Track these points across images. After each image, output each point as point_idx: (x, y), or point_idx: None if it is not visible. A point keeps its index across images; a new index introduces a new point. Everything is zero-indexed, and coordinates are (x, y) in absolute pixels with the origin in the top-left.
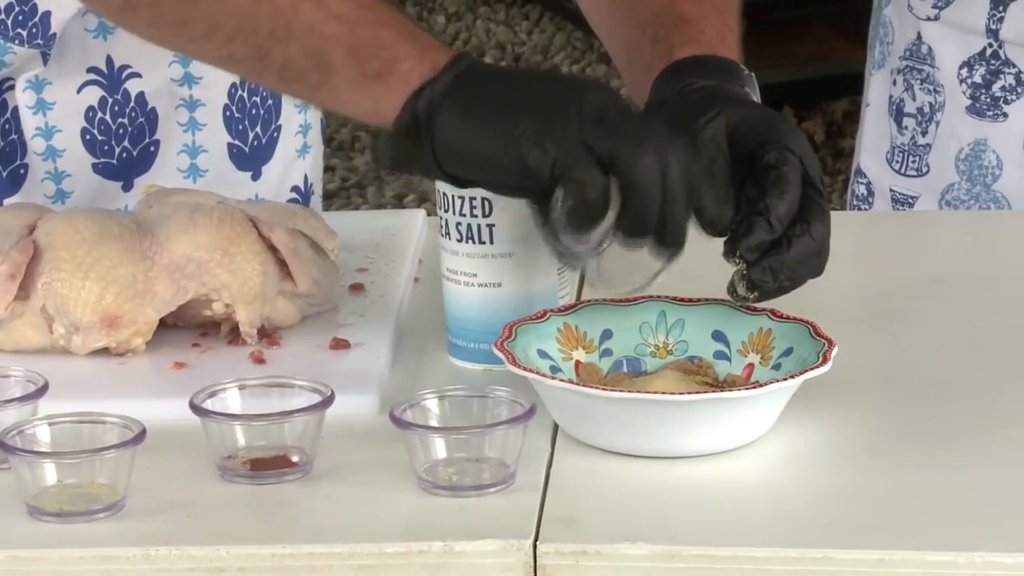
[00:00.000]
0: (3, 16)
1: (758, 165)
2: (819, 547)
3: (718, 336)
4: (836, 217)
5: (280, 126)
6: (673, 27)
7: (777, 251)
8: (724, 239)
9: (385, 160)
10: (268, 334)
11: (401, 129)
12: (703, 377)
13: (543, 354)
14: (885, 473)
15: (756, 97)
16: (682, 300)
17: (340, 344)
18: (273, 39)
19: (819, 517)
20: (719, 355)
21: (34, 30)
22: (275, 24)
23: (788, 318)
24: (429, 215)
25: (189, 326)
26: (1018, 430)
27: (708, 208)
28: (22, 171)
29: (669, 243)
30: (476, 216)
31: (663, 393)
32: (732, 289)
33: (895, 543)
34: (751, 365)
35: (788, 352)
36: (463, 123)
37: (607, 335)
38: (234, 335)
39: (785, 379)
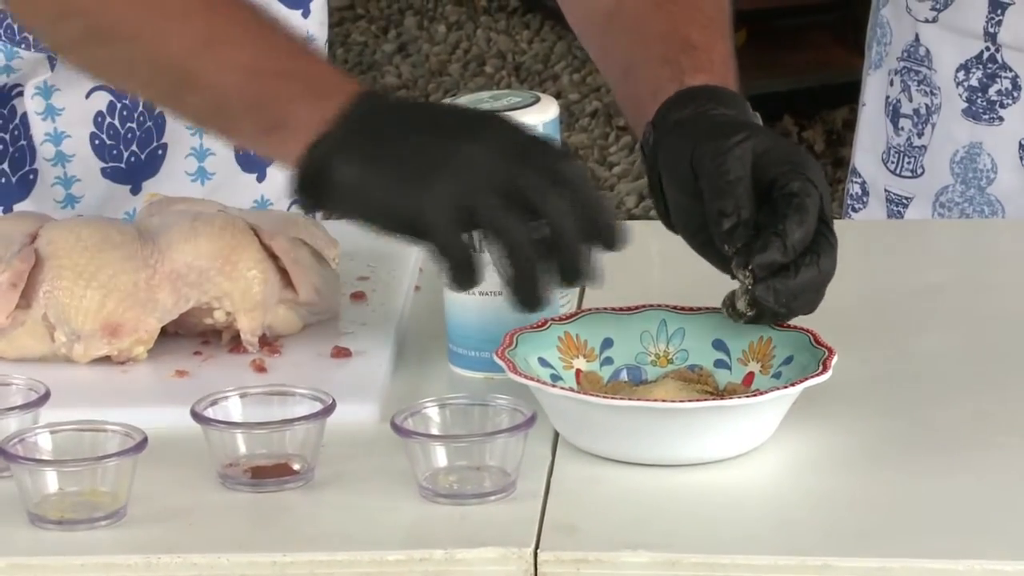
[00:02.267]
0: (9, 20)
1: (778, 192)
2: (819, 555)
3: (718, 345)
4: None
5: None
6: (682, 52)
7: (785, 275)
8: (734, 254)
9: (298, 204)
10: (269, 342)
11: (297, 185)
12: (704, 386)
13: (544, 363)
14: (884, 481)
15: None
16: (683, 309)
17: (341, 352)
18: (180, 86)
19: (819, 525)
20: (720, 364)
21: None
22: (179, 72)
23: (789, 327)
24: None
25: (190, 334)
26: (1016, 438)
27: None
28: (32, 176)
29: (568, 282)
30: None
31: (664, 401)
32: (730, 303)
33: (895, 551)
34: (752, 374)
35: (788, 360)
36: (350, 181)
37: (608, 344)
38: (235, 343)
39: (785, 387)
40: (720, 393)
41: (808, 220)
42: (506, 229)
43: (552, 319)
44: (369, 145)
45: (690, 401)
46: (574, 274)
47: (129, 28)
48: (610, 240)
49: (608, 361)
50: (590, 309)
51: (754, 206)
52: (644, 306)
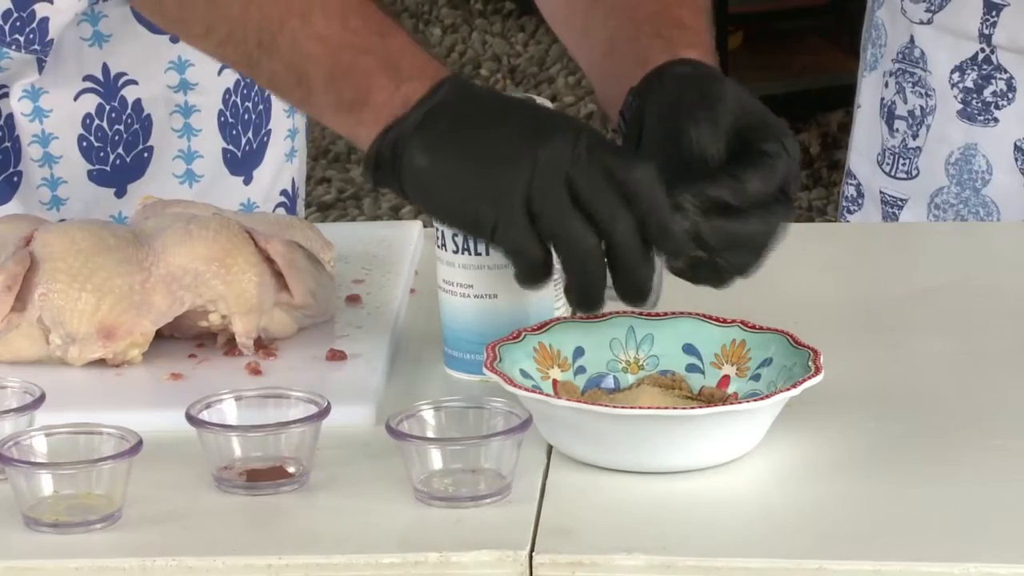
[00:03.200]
0: (0, 22)
1: (752, 148)
2: (814, 558)
3: (689, 349)
4: (828, 228)
5: (270, 130)
6: (674, 28)
7: (727, 217)
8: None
9: (367, 182)
10: (264, 345)
11: (370, 164)
12: (680, 391)
13: (524, 374)
14: (879, 484)
15: None
16: (649, 315)
17: (336, 355)
18: (261, 49)
19: (814, 528)
20: (692, 368)
21: (31, 35)
22: (262, 34)
23: (762, 328)
24: (425, 226)
25: (185, 337)
26: (1012, 441)
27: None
28: (16, 178)
29: (629, 301)
30: None
31: (669, 408)
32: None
33: (890, 554)
34: (727, 377)
35: (767, 363)
36: (424, 169)
37: (579, 352)
38: (230, 346)
39: (786, 389)
40: (695, 397)
41: (771, 179)
42: (569, 237)
43: (525, 330)
44: (444, 135)
45: (692, 408)
46: (632, 293)
47: None
48: (673, 257)
49: (581, 370)
50: (559, 319)
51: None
52: (611, 314)
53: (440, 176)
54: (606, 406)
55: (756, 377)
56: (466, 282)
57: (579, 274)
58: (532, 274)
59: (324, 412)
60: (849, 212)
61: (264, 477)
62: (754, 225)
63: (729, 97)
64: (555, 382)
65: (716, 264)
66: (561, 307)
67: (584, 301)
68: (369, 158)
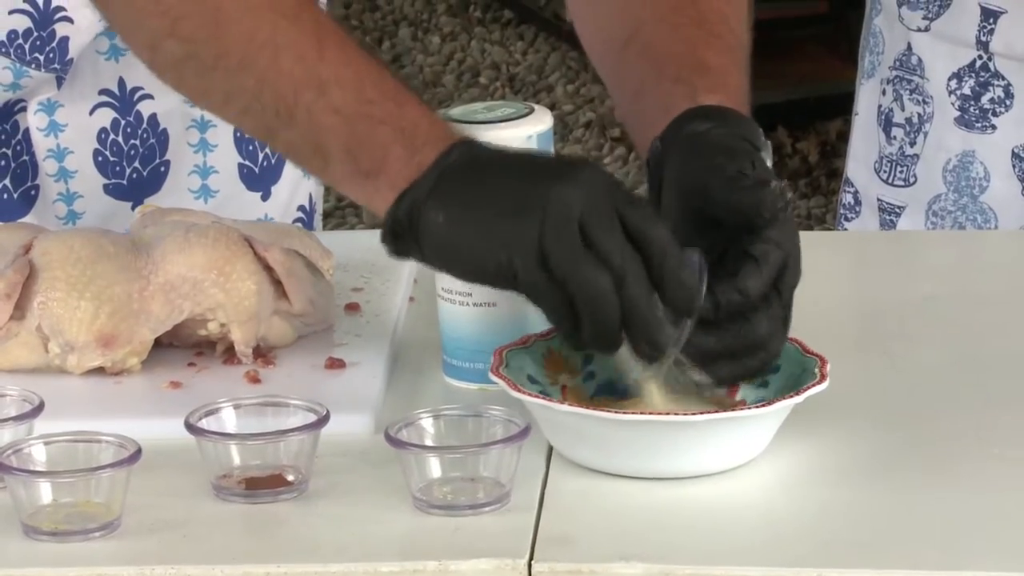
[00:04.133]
0: (21, 41)
1: (744, 244)
2: (814, 566)
3: None
4: (826, 237)
5: None
6: (696, 73)
7: (705, 332)
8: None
9: (388, 251)
10: (263, 354)
11: (388, 231)
12: (688, 395)
13: (532, 379)
14: (879, 492)
15: (768, 160)
16: None
17: (335, 364)
18: (278, 120)
19: (814, 536)
20: None
21: (51, 55)
22: (279, 106)
23: None
24: None
25: (184, 345)
26: (1011, 449)
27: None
28: (33, 192)
29: (644, 354)
30: None
31: (678, 414)
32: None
33: (890, 562)
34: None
35: (775, 370)
36: (440, 226)
37: (588, 358)
38: (229, 355)
39: (790, 395)
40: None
41: (748, 288)
42: (581, 277)
43: (534, 335)
44: (457, 192)
45: (703, 413)
46: (646, 342)
47: (237, 60)
48: (682, 311)
49: (590, 376)
50: None
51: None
52: None
53: (457, 232)
54: (610, 411)
55: (764, 384)
56: (465, 290)
57: (592, 315)
58: (558, 320)
59: (323, 420)
60: (847, 220)
61: (263, 485)
62: (726, 340)
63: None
64: (564, 387)
65: (739, 376)
66: None
67: (598, 341)
68: (386, 225)
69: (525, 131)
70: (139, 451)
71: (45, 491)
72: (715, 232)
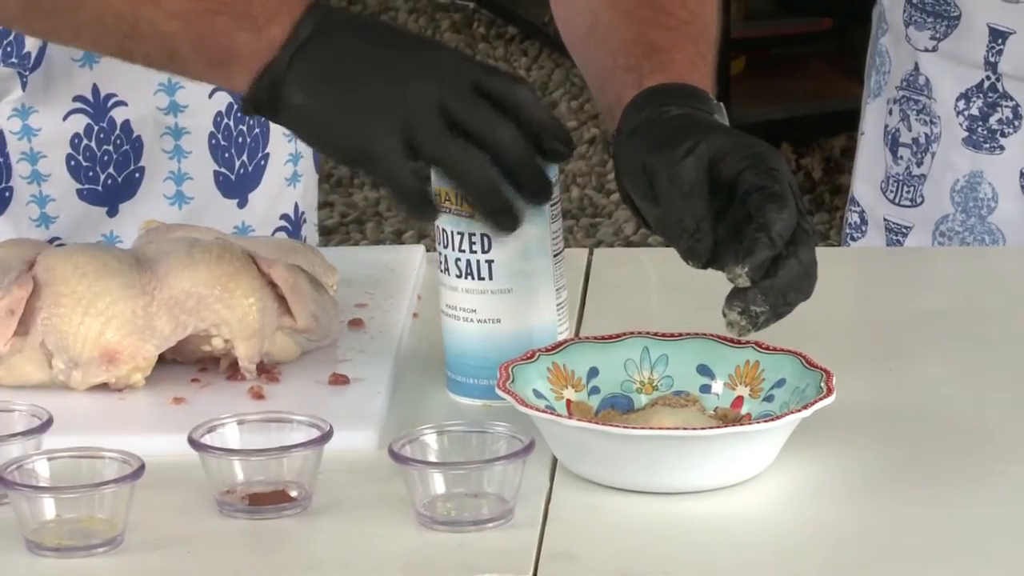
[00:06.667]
0: None
1: (744, 187)
2: None
3: (703, 370)
4: (832, 252)
5: (268, 154)
6: (644, 56)
7: (767, 275)
8: (725, 263)
9: (245, 113)
10: (267, 369)
11: (249, 107)
12: (693, 410)
13: (538, 394)
14: (883, 508)
15: (725, 122)
16: (664, 335)
17: (339, 380)
18: (129, 39)
19: (818, 552)
20: (705, 389)
21: (9, 48)
22: (123, 27)
23: (776, 349)
24: (428, 251)
25: (188, 361)
26: (1016, 466)
27: (686, 238)
28: (7, 194)
29: (532, 196)
30: (475, 252)
31: (685, 429)
32: (740, 310)
33: None
34: (740, 398)
35: (780, 383)
36: (301, 107)
37: (593, 373)
38: (233, 370)
39: (798, 410)
40: (709, 417)
41: (787, 205)
42: (450, 158)
43: (540, 350)
44: (316, 73)
45: (709, 428)
46: (535, 188)
47: None
48: (562, 152)
49: (595, 390)
50: (574, 339)
51: (712, 213)
52: (626, 334)
53: (315, 118)
54: (617, 426)
55: (769, 398)
56: (469, 307)
57: (475, 191)
58: (412, 205)
59: (326, 436)
60: (853, 240)
61: (266, 501)
62: (791, 270)
63: (687, 162)
64: (569, 402)
65: (776, 315)
66: (564, 331)
67: (492, 216)
68: (247, 101)
69: None
70: (143, 467)
71: (48, 507)
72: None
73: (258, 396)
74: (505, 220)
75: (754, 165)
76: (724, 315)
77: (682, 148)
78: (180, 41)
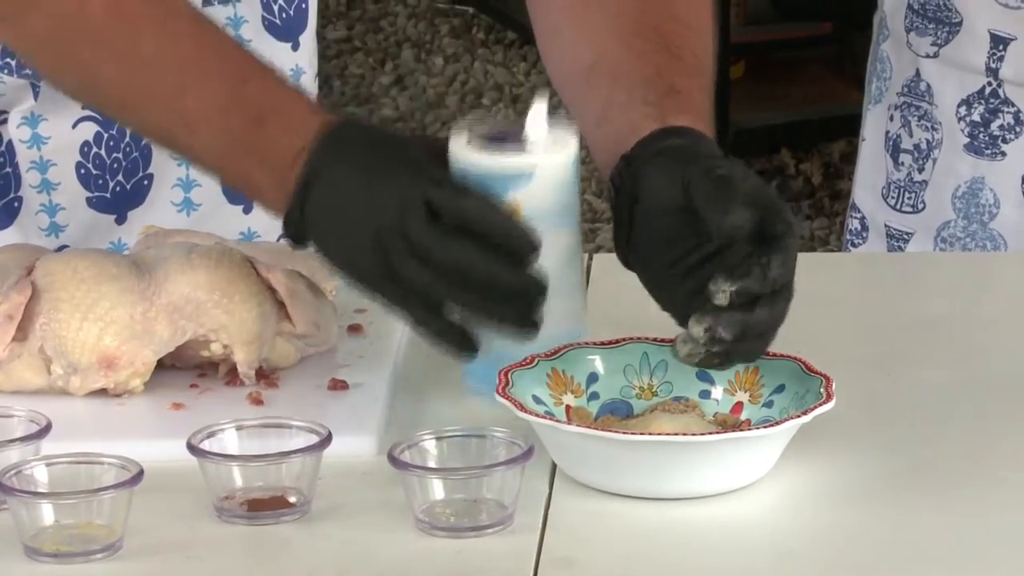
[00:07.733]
0: None
1: (764, 230)
2: None
3: (703, 376)
4: (832, 258)
5: None
6: (665, 96)
7: (744, 309)
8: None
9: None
10: (266, 375)
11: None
12: (693, 416)
13: (537, 400)
14: (884, 514)
15: None
16: (664, 341)
17: (338, 385)
18: (170, 147)
19: (818, 558)
20: (705, 394)
21: (21, 60)
22: (162, 139)
23: (775, 355)
24: None
25: (187, 367)
26: (1016, 472)
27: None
28: (16, 204)
29: (519, 326)
30: None
31: (685, 434)
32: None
33: None
34: (740, 403)
35: (780, 389)
36: (324, 258)
37: (593, 379)
38: (232, 376)
39: (798, 415)
40: (708, 423)
41: (790, 263)
42: (412, 285)
43: (539, 356)
44: (319, 223)
45: (709, 433)
46: (520, 317)
47: (119, 96)
48: (528, 252)
49: (594, 396)
50: (573, 344)
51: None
52: (626, 339)
53: (336, 266)
54: (616, 432)
55: (769, 404)
56: None
57: (429, 326)
58: (447, 350)
59: (325, 442)
60: (853, 246)
61: (265, 507)
62: (763, 314)
63: (737, 176)
64: (568, 408)
65: (728, 353)
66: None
67: (457, 346)
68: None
69: (557, 159)
70: (141, 472)
71: (47, 512)
72: (700, 226)
73: (257, 401)
74: (461, 349)
75: (777, 214)
76: (686, 328)
77: (724, 159)
78: (214, 171)
